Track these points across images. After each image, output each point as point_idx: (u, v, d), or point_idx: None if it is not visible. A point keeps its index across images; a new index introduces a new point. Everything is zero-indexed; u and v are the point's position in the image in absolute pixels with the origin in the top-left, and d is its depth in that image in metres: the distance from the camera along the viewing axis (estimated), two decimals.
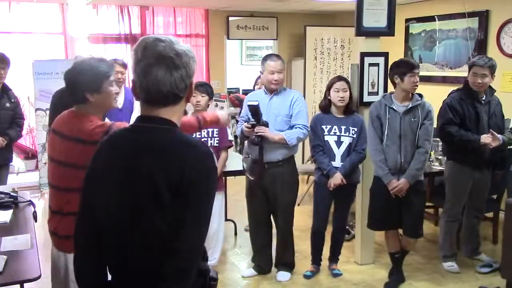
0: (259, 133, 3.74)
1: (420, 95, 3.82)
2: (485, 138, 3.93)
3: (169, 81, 1.49)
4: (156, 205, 1.44)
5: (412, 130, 3.71)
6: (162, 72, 1.49)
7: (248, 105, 3.78)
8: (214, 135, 4.11)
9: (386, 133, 3.74)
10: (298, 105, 3.87)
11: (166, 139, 1.51)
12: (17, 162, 7.06)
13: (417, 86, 3.75)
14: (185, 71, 1.52)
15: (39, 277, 2.29)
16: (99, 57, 2.59)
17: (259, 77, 5.18)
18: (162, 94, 1.51)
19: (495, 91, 4.18)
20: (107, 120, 4.75)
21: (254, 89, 5.26)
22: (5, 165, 4.84)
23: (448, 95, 4.25)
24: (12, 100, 4.73)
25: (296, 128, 3.83)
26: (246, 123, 3.82)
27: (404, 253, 4.04)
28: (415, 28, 6.70)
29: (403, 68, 3.71)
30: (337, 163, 3.94)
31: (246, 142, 4.10)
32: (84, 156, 2.33)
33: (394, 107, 3.74)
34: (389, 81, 4.35)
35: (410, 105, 3.72)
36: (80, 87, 2.42)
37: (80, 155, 2.37)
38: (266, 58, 3.93)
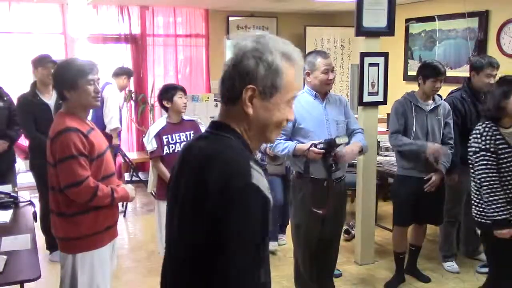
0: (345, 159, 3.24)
1: (440, 96, 3.89)
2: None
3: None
4: (189, 218, 1.31)
5: (438, 128, 3.81)
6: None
7: (338, 144, 3.13)
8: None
9: (414, 130, 3.78)
10: (349, 107, 3.53)
11: (212, 149, 1.35)
12: (17, 162, 7.04)
13: (437, 90, 3.80)
14: (227, 70, 1.43)
15: (39, 277, 2.30)
16: (84, 59, 2.68)
17: None
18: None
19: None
20: (113, 130, 4.84)
21: None
22: (11, 168, 4.72)
23: (448, 95, 4.25)
24: (5, 98, 4.53)
25: (357, 133, 3.43)
26: (314, 148, 3.14)
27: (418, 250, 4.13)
28: (415, 28, 6.70)
29: (428, 71, 3.75)
30: None
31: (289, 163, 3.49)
32: (49, 153, 2.53)
33: (419, 105, 3.80)
34: (388, 81, 4.37)
35: (435, 104, 3.81)
36: (58, 84, 2.57)
37: (49, 152, 2.54)
38: (314, 55, 3.32)
